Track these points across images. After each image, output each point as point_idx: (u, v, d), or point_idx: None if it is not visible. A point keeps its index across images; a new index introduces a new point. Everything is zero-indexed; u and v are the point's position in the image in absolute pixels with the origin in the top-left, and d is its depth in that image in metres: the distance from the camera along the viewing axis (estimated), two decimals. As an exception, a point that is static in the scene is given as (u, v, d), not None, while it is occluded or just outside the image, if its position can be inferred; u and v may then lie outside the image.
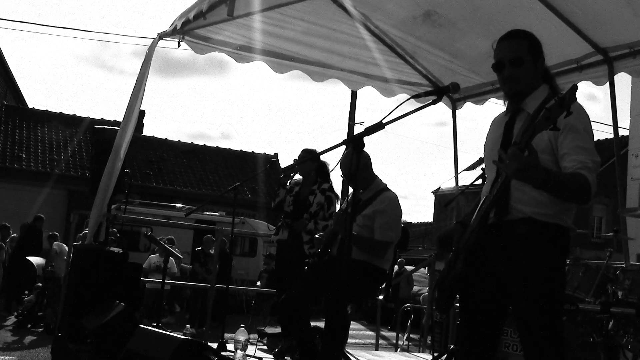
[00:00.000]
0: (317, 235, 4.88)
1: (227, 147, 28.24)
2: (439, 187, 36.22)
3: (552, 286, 2.73)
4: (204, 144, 27.94)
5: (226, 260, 13.79)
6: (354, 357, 5.85)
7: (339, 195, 5.87)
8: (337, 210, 4.86)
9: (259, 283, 13.41)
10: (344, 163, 4.61)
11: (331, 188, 5.76)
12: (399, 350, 10.50)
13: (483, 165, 5.64)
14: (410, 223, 43.30)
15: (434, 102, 2.87)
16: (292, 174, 5.91)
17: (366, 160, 4.63)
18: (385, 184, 4.72)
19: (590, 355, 4.24)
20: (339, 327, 4.11)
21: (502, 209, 2.78)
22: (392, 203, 4.54)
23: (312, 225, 5.61)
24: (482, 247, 2.83)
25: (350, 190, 5.51)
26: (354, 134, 3.41)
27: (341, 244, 4.49)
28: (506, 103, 3.03)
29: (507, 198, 2.77)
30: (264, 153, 28.28)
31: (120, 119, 6.16)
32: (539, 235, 2.72)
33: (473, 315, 2.89)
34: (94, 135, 7.27)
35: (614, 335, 5.27)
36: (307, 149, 5.85)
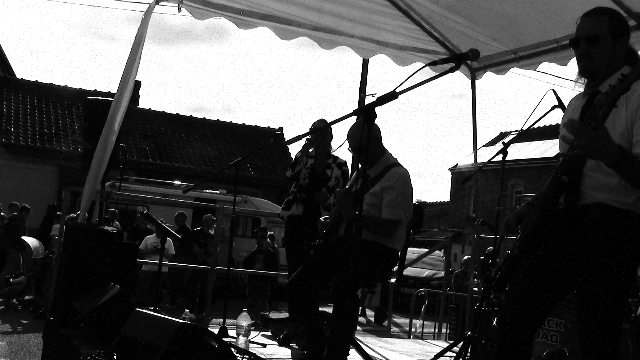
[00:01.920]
0: (321, 219, 4.85)
1: (229, 121, 28.18)
2: (456, 164, 36.16)
3: (623, 274, 2.79)
4: (204, 117, 28.01)
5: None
6: (365, 345, 5.87)
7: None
8: (338, 190, 4.82)
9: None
10: (352, 136, 4.58)
11: (347, 163, 5.84)
12: (412, 337, 10.56)
13: (506, 140, 5.68)
14: (425, 203, 43.41)
15: (452, 70, 2.86)
16: (314, 141, 5.89)
17: (376, 133, 4.59)
18: (396, 159, 4.68)
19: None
20: (348, 312, 4.12)
21: (572, 194, 2.84)
22: (402, 179, 4.51)
23: (332, 199, 5.61)
24: (546, 230, 2.89)
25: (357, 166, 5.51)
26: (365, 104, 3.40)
27: (349, 224, 4.49)
28: (576, 84, 3.07)
29: (577, 183, 2.83)
30: (268, 127, 28.24)
31: (114, 90, 6.15)
32: (614, 221, 2.77)
33: (523, 297, 2.94)
34: (86, 107, 7.27)
35: (642, 321, 5.28)
36: (322, 120, 5.86)
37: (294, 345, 5.62)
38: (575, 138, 2.54)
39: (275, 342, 5.64)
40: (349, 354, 4.35)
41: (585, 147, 2.53)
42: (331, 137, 5.91)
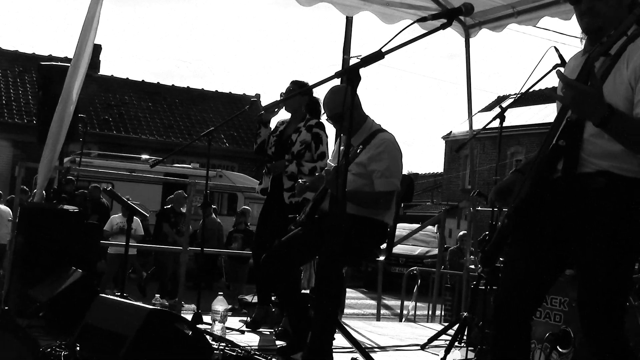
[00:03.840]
0: (300, 181, 4.81)
1: (200, 88, 28.00)
2: (450, 132, 36.26)
3: (628, 246, 2.79)
4: (173, 84, 27.71)
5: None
6: (352, 329, 5.91)
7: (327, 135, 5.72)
8: (327, 168, 4.78)
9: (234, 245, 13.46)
10: (328, 104, 4.55)
11: (320, 124, 5.62)
12: (403, 320, 10.65)
13: (504, 104, 5.69)
14: (417, 174, 43.52)
15: (443, 27, 2.84)
16: (276, 110, 5.83)
17: (356, 98, 4.57)
18: (379, 125, 4.67)
19: (626, 322, 4.28)
20: (334, 293, 4.13)
21: (571, 160, 2.82)
22: (389, 145, 4.49)
23: (294, 167, 5.50)
24: (541, 199, 2.88)
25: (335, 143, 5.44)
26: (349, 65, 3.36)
27: (333, 199, 4.48)
28: (582, 41, 3.03)
29: (577, 149, 2.81)
30: (244, 94, 28.08)
31: (71, 55, 6.08)
32: (618, 190, 2.76)
33: (519, 275, 2.95)
34: (40, 74, 7.18)
35: (652, 298, 5.34)
36: (296, 81, 5.76)
37: (264, 329, 5.64)
38: (564, 91, 2.55)
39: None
40: (334, 339, 4.38)
41: (570, 103, 2.56)
42: (305, 100, 5.75)
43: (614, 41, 2.47)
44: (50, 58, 22.74)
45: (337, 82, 4.57)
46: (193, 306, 6.15)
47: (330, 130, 5.47)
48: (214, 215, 14.22)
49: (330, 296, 3.82)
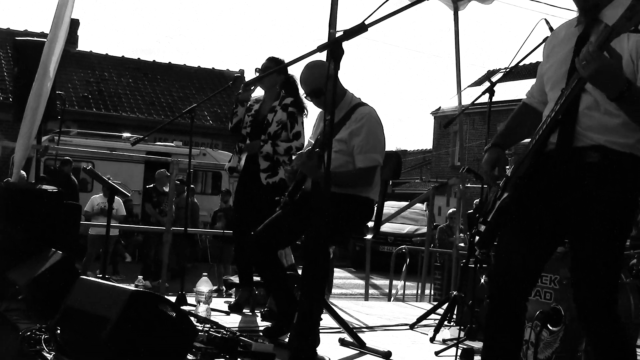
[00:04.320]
0: (287, 168, 4.81)
1: (182, 64, 27.85)
2: (439, 108, 36.26)
3: (622, 222, 2.82)
4: (154, 60, 27.52)
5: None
6: (339, 309, 5.95)
7: (307, 110, 5.66)
8: (299, 152, 4.76)
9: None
10: (305, 80, 4.52)
11: (296, 102, 5.57)
12: (392, 299, 10.71)
13: (494, 79, 5.68)
14: (405, 151, 43.53)
15: (429, -2, 2.81)
16: (253, 88, 5.80)
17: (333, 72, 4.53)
18: (359, 98, 4.64)
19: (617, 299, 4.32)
20: (320, 272, 4.14)
21: (566, 134, 2.82)
22: (370, 118, 4.45)
23: (269, 147, 5.49)
24: (537, 175, 2.90)
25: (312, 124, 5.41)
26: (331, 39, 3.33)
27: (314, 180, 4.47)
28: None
29: (573, 122, 2.81)
30: (227, 69, 27.97)
31: (47, 30, 6.02)
32: (613, 165, 2.77)
33: (515, 253, 2.96)
34: (15, 49, 7.11)
35: (644, 275, 5.39)
36: (273, 58, 5.72)
37: (246, 311, 5.66)
38: (585, 60, 2.52)
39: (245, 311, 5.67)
40: (321, 319, 4.40)
41: (591, 73, 2.53)
42: (281, 78, 5.69)
43: None
44: (26, 33, 22.47)
45: (319, 56, 4.55)
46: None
47: (312, 107, 5.45)
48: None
49: (317, 278, 3.84)
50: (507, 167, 3.07)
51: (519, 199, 2.94)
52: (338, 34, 2.63)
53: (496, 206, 3.00)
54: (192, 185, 14.97)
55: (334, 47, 2.61)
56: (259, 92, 5.85)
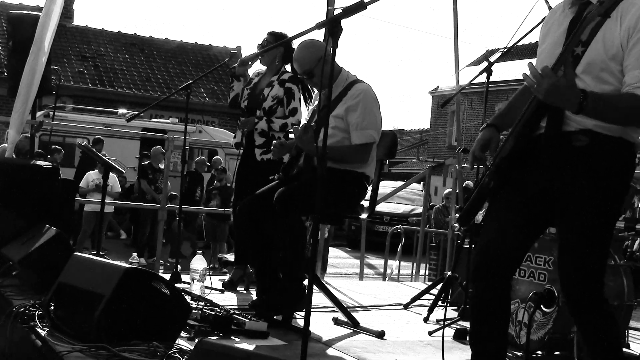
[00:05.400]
0: (274, 142, 4.80)
1: (179, 40, 27.69)
2: (437, 87, 36.25)
3: (610, 207, 2.83)
4: (150, 36, 27.35)
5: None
6: (334, 289, 5.96)
7: (305, 87, 5.64)
8: (295, 127, 4.74)
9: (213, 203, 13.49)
10: (299, 59, 4.49)
11: (293, 78, 5.52)
12: (387, 279, 10.74)
13: (492, 58, 5.66)
14: (402, 130, 43.50)
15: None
16: (250, 63, 5.77)
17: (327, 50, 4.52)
18: (355, 75, 4.63)
19: (611, 281, 4.35)
20: (291, 237, 4.18)
21: (556, 118, 2.84)
22: (366, 95, 4.46)
23: (264, 124, 5.46)
24: (523, 157, 2.90)
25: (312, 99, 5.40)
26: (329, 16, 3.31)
27: (307, 155, 4.48)
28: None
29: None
30: (224, 46, 27.83)
31: (42, 4, 5.99)
32: (602, 149, 2.78)
33: (499, 233, 2.96)
34: (10, 24, 7.07)
35: None
36: (273, 32, 5.68)
37: (240, 289, 5.68)
38: (536, 82, 2.56)
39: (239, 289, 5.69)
40: (304, 289, 4.35)
41: (544, 95, 2.58)
42: (281, 51, 5.62)
43: (616, 2, 2.44)
44: (20, 7, 22.33)
45: (317, 33, 4.54)
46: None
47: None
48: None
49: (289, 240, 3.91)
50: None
51: (502, 180, 2.94)
52: (336, 12, 2.62)
53: (478, 185, 3.02)
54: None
55: (332, 25, 2.60)
56: (259, 67, 5.83)
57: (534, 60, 3.16)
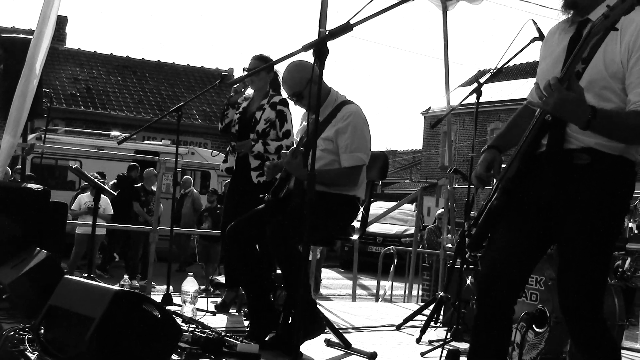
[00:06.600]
0: (267, 163, 4.80)
1: (171, 62, 27.78)
2: (429, 108, 36.28)
3: (610, 225, 2.83)
4: (143, 58, 27.44)
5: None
6: (326, 310, 5.95)
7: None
8: (283, 152, 4.74)
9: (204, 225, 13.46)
10: (287, 82, 4.50)
11: (284, 101, 5.56)
12: (380, 300, 10.71)
13: (482, 79, 5.69)
14: (395, 151, 43.60)
15: (417, -2, 2.81)
16: (243, 90, 5.79)
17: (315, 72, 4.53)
18: (344, 96, 4.63)
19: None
20: (292, 266, 4.15)
21: (557, 136, 2.84)
22: (355, 117, 4.44)
23: (261, 146, 5.47)
24: (526, 176, 2.91)
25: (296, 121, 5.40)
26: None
27: (297, 178, 4.47)
28: (559, 14, 3.02)
29: (563, 125, 2.82)
30: (216, 68, 27.91)
31: (35, 27, 6.00)
32: (603, 168, 2.79)
33: (504, 256, 2.96)
34: (1, 46, 7.08)
35: (630, 276, 5.42)
36: (260, 56, 5.71)
37: (232, 311, 5.66)
38: (546, 94, 2.56)
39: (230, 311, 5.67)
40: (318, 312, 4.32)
41: (552, 108, 2.58)
42: (271, 76, 5.70)
43: (621, 15, 2.43)
44: (13, 30, 22.39)
45: (304, 55, 4.56)
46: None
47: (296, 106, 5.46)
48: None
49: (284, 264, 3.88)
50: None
51: (509, 202, 2.95)
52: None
53: (486, 208, 3.01)
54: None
55: (318, 47, 2.61)
56: (250, 92, 5.85)
57: (531, 80, 3.18)
